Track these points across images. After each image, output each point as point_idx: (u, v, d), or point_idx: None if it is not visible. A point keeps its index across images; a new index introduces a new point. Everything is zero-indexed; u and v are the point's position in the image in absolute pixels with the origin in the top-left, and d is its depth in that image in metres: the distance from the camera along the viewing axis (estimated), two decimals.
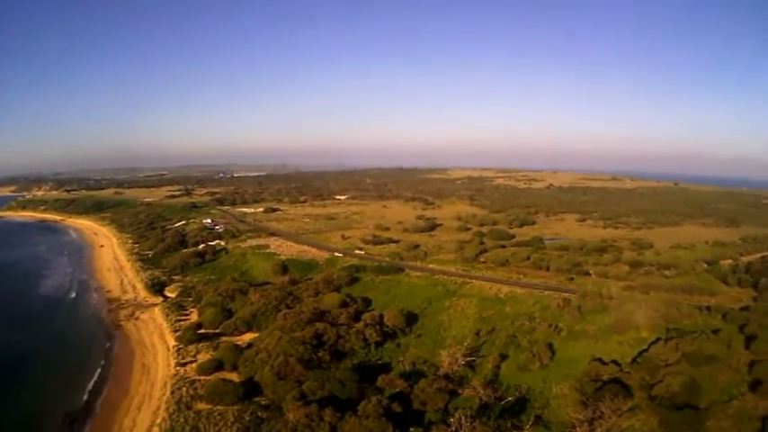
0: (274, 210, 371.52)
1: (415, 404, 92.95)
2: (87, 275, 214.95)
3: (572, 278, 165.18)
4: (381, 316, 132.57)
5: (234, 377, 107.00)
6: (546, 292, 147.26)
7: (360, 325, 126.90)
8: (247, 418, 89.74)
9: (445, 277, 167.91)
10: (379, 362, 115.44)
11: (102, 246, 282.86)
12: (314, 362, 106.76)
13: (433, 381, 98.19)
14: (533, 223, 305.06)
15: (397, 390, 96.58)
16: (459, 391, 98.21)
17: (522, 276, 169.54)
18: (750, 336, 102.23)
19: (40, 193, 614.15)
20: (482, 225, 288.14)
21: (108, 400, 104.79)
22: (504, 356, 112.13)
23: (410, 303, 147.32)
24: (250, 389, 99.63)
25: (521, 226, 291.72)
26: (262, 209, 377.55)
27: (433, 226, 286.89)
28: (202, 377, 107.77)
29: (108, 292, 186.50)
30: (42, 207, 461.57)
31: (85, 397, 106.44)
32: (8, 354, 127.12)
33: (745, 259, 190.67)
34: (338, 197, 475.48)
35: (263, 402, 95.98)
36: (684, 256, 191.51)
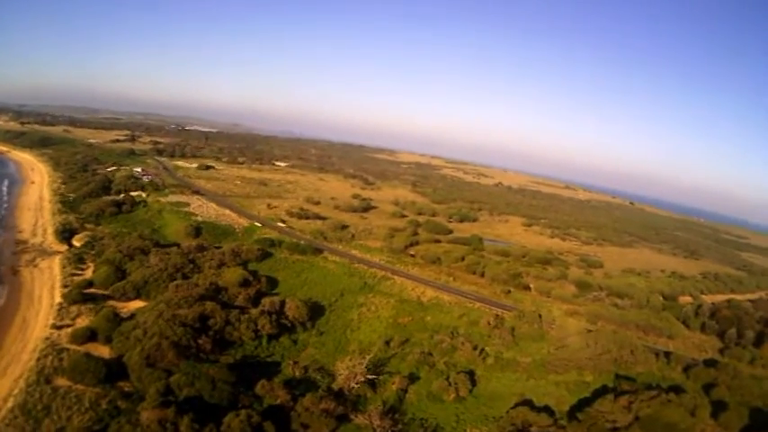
0: (208, 167, 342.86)
1: (294, 424, 74.30)
2: (6, 212, 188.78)
3: (509, 291, 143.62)
4: (283, 303, 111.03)
5: (105, 352, 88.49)
6: (476, 304, 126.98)
7: (255, 311, 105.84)
8: (104, 407, 71.76)
9: (365, 268, 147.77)
10: (268, 359, 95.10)
11: (33, 182, 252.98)
12: (191, 349, 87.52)
13: (321, 398, 78.12)
14: (475, 220, 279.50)
15: (278, 401, 77.96)
16: (352, 417, 78.44)
17: (452, 280, 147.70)
18: (718, 402, 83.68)
19: (1, 123, 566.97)
20: (420, 214, 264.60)
21: None
22: (413, 378, 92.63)
23: (320, 292, 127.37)
24: (116, 370, 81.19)
25: (461, 221, 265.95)
26: (196, 165, 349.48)
27: (367, 207, 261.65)
28: (73, 346, 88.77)
29: (19, 232, 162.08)
30: None
31: None
32: None
33: (706, 299, 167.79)
34: (278, 163, 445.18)
35: (126, 389, 77.61)
36: (639, 284, 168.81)
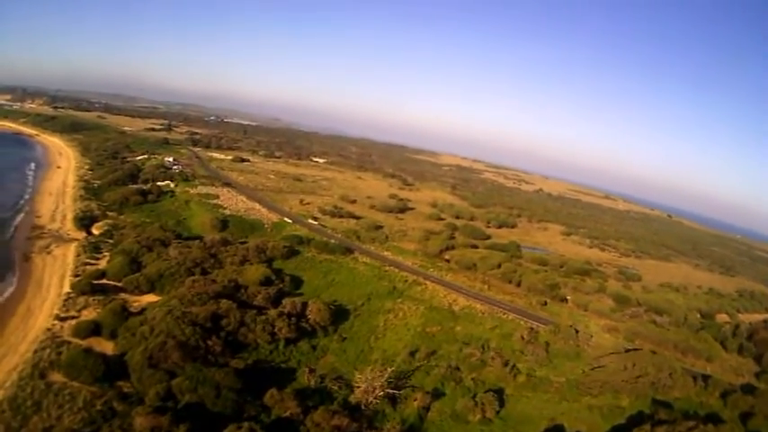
0: (243, 160, 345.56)
1: None
2: (27, 196, 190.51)
3: (545, 302, 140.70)
4: (305, 305, 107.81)
5: (109, 348, 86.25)
6: (511, 316, 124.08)
7: (273, 313, 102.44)
8: (98, 407, 68.69)
9: (396, 271, 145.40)
10: (283, 365, 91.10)
11: (59, 167, 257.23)
12: (199, 351, 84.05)
13: (334, 412, 73.31)
14: (514, 226, 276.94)
15: (287, 413, 73.43)
16: None
17: (486, 288, 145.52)
18: None
19: (33, 106, 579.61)
20: (457, 218, 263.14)
21: None
22: (438, 395, 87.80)
23: (346, 295, 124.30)
24: (117, 369, 78.48)
25: (499, 227, 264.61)
26: (231, 157, 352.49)
27: (403, 208, 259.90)
28: (74, 340, 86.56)
29: (38, 217, 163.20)
30: (23, 120, 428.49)
31: None
32: None
33: (742, 318, 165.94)
34: (316, 159, 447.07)
35: (125, 390, 74.51)
36: (677, 300, 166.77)
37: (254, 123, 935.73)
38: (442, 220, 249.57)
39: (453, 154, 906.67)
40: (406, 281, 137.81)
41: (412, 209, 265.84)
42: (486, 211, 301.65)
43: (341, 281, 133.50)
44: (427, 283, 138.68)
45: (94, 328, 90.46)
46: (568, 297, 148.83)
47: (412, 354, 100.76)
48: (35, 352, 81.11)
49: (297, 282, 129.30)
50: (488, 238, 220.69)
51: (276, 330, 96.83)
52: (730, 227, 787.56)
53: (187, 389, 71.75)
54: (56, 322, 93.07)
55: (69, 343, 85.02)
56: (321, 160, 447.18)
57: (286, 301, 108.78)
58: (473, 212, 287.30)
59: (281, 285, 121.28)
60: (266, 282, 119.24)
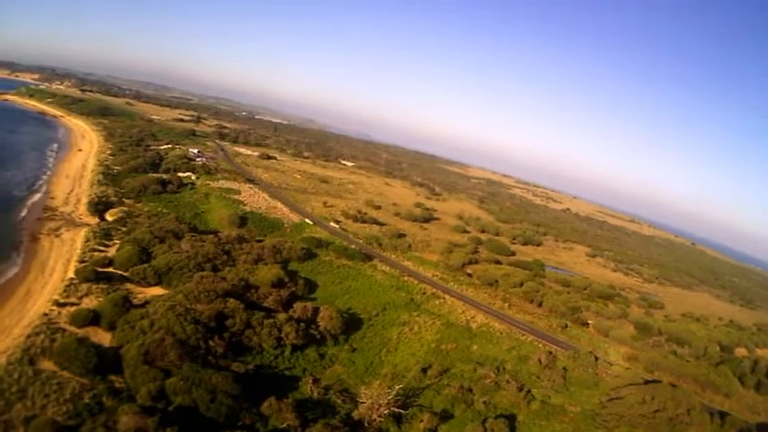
0: (270, 157, 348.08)
1: None
2: (45, 177, 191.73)
3: (566, 325, 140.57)
4: (316, 311, 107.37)
5: (105, 340, 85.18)
6: (529, 337, 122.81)
7: (282, 316, 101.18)
8: (86, 400, 67.68)
9: (416, 282, 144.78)
10: (287, 372, 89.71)
11: (80, 150, 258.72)
12: (199, 351, 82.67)
13: (334, 429, 71.38)
14: (539, 244, 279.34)
15: (284, 425, 71.16)
16: None
17: (507, 306, 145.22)
18: None
19: (62, 87, 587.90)
20: (483, 231, 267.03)
21: None
22: (446, 416, 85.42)
23: (361, 303, 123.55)
24: (112, 362, 77.10)
25: (525, 244, 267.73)
26: (257, 153, 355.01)
27: (429, 218, 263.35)
28: (71, 328, 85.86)
29: (52, 198, 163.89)
30: (48, 100, 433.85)
31: None
32: None
33: (761, 353, 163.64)
34: (344, 162, 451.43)
35: (117, 385, 73.17)
36: (698, 331, 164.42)
37: (285, 122, 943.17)
38: (467, 233, 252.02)
39: (483, 168, 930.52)
40: (425, 293, 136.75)
41: (437, 219, 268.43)
42: (512, 227, 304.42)
43: (357, 288, 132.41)
44: (446, 296, 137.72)
45: (93, 318, 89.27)
46: (590, 321, 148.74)
47: (424, 370, 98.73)
48: (28, 337, 79.97)
49: (311, 286, 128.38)
50: (513, 254, 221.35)
51: (283, 335, 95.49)
52: (750, 258, 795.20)
53: (181, 390, 69.76)
54: (54, 308, 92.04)
55: (65, 331, 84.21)
56: (350, 163, 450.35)
57: (297, 306, 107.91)
58: (499, 227, 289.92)
59: (293, 288, 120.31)
60: (279, 283, 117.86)
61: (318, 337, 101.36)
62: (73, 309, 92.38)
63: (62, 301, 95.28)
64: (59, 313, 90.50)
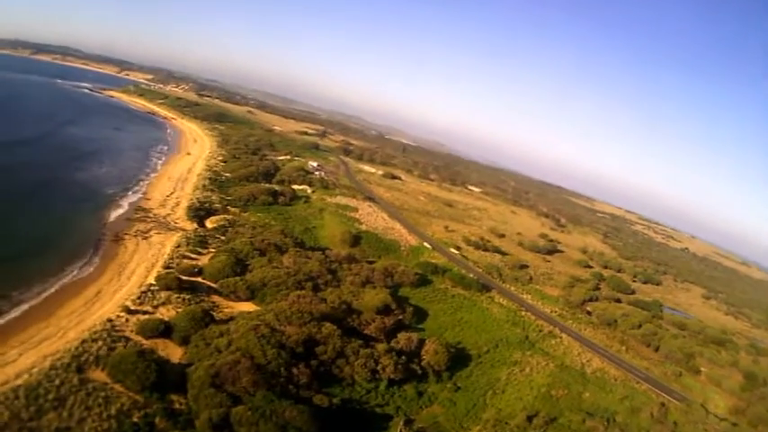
0: (394, 177, 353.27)
1: None
2: (143, 177, 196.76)
3: (680, 373, 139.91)
4: (421, 343, 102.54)
5: (175, 355, 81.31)
6: (643, 386, 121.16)
7: (382, 347, 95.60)
8: (134, 419, 63.22)
9: (533, 318, 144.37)
10: (378, 410, 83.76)
11: (189, 153, 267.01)
12: (279, 378, 76.10)
13: None
14: (659, 284, 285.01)
15: None
16: None
17: (624, 349, 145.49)
18: None
19: (177, 90, 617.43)
20: (605, 267, 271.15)
21: (20, 320, 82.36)
22: None
23: (472, 338, 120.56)
24: (176, 380, 72.18)
25: (645, 282, 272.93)
26: (381, 172, 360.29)
27: (552, 250, 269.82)
28: (136, 338, 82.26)
29: (147, 200, 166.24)
30: (160, 101, 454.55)
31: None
32: None
33: None
34: (471, 187, 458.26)
35: (177, 406, 68.22)
36: None
37: (415, 144, 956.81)
38: (590, 267, 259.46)
39: (608, 202, 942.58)
40: (541, 330, 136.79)
41: (561, 252, 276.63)
42: (635, 265, 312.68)
43: (470, 321, 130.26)
44: (563, 335, 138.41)
45: (165, 330, 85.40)
46: (702, 369, 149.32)
47: (529, 419, 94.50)
48: (83, 342, 76.77)
49: (421, 314, 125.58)
50: (633, 293, 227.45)
51: (379, 368, 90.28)
52: None
53: (247, 421, 63.19)
54: (122, 314, 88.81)
55: (129, 340, 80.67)
56: (476, 189, 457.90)
57: (401, 336, 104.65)
58: (621, 264, 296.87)
59: (400, 316, 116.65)
60: (384, 310, 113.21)
61: (420, 372, 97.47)
62: (144, 317, 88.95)
63: (133, 307, 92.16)
64: (127, 321, 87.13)
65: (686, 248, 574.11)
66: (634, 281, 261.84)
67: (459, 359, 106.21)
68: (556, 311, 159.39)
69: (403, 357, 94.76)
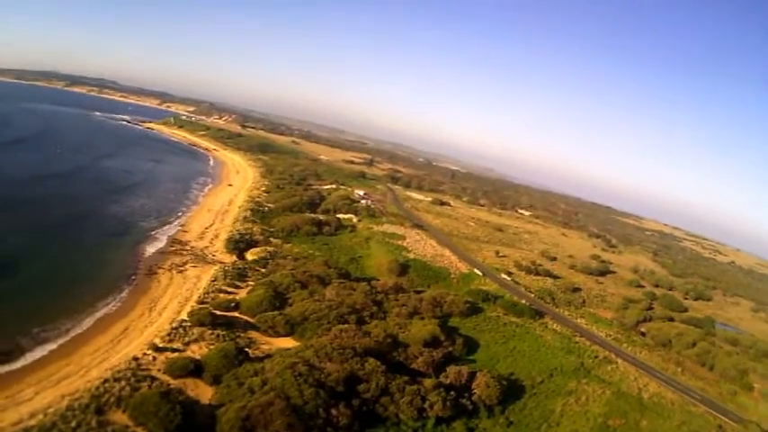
0: (443, 203, 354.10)
1: None
2: (182, 209, 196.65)
3: (735, 392, 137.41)
4: (472, 376, 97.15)
5: (205, 395, 76.88)
6: (700, 408, 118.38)
7: (430, 383, 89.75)
8: None
9: (588, 344, 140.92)
10: None
11: (230, 185, 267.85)
12: (316, 420, 70.85)
13: None
14: (709, 299, 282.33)
15: None
16: None
17: (680, 371, 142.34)
18: None
19: (220, 121, 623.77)
20: (657, 286, 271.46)
21: (44, 359, 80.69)
22: None
23: (525, 368, 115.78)
24: (202, 423, 67.39)
25: (696, 299, 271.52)
26: (430, 199, 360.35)
27: (604, 271, 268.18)
28: (164, 377, 78.47)
29: (184, 232, 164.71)
30: (201, 132, 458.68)
31: (21, 342, 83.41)
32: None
33: None
34: (521, 211, 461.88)
35: None
36: None
37: (463, 170, 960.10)
38: (642, 287, 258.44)
39: (656, 220, 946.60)
40: (596, 356, 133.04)
41: (613, 272, 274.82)
42: (685, 282, 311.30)
43: (523, 350, 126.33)
44: (619, 360, 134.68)
45: (194, 369, 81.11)
46: (755, 385, 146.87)
47: None
48: (105, 381, 73.80)
49: (471, 345, 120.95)
50: (685, 310, 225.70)
51: (426, 405, 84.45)
52: None
53: None
54: (149, 352, 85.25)
55: (154, 380, 76.85)
56: (526, 212, 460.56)
57: (451, 369, 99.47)
58: (672, 281, 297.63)
59: (450, 348, 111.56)
60: (432, 342, 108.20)
61: (470, 407, 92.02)
62: (173, 355, 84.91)
63: (162, 345, 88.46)
64: (154, 359, 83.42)
65: (732, 262, 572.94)
66: (686, 298, 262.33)
67: (511, 391, 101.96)
68: (610, 335, 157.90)
69: (452, 393, 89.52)
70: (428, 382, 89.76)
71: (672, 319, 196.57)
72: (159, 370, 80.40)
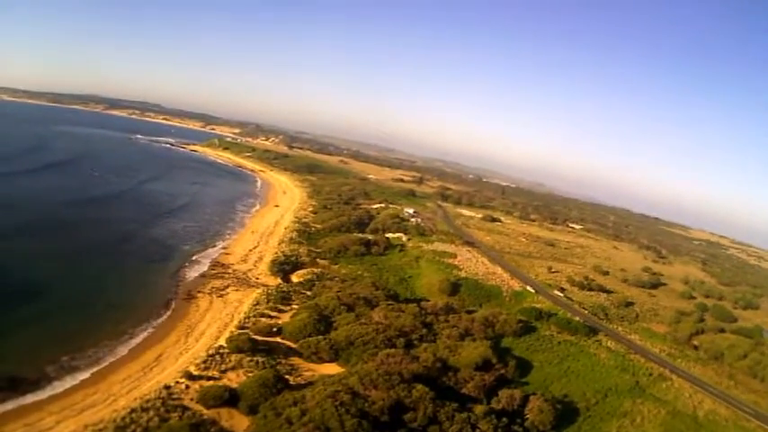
0: (494, 219, 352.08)
1: None
2: (226, 232, 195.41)
3: None
4: (525, 400, 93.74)
5: (240, 426, 73.18)
6: (753, 423, 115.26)
7: (481, 409, 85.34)
8: None
9: (642, 361, 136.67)
10: None
11: (276, 206, 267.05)
12: None
13: None
14: (758, 308, 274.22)
15: None
16: None
17: (732, 384, 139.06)
18: None
19: (266, 142, 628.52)
20: (707, 297, 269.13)
21: (71, 387, 78.36)
22: None
23: (579, 389, 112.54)
24: None
25: (745, 308, 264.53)
26: (481, 215, 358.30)
27: (656, 283, 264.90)
28: (196, 407, 75.08)
29: (227, 254, 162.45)
30: (247, 154, 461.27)
31: (49, 370, 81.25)
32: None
33: None
34: (572, 225, 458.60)
35: None
36: None
37: (513, 185, 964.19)
38: (693, 298, 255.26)
39: (703, 229, 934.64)
40: (651, 374, 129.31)
41: (664, 285, 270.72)
42: (734, 291, 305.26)
43: (577, 370, 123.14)
44: (673, 377, 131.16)
45: (230, 398, 77.12)
46: None
47: None
48: (132, 411, 70.82)
49: (525, 367, 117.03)
50: (735, 320, 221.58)
51: None
52: None
53: None
54: (182, 380, 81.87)
55: (186, 410, 73.40)
56: (578, 226, 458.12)
57: (503, 393, 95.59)
58: (722, 291, 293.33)
59: (502, 371, 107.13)
60: (484, 365, 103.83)
61: None
62: (207, 384, 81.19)
63: (197, 373, 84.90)
64: (187, 387, 79.87)
65: None
66: (735, 307, 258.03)
67: (565, 414, 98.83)
68: (664, 350, 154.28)
69: (504, 419, 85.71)
70: (479, 409, 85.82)
71: (723, 330, 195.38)
72: (192, 399, 76.82)
